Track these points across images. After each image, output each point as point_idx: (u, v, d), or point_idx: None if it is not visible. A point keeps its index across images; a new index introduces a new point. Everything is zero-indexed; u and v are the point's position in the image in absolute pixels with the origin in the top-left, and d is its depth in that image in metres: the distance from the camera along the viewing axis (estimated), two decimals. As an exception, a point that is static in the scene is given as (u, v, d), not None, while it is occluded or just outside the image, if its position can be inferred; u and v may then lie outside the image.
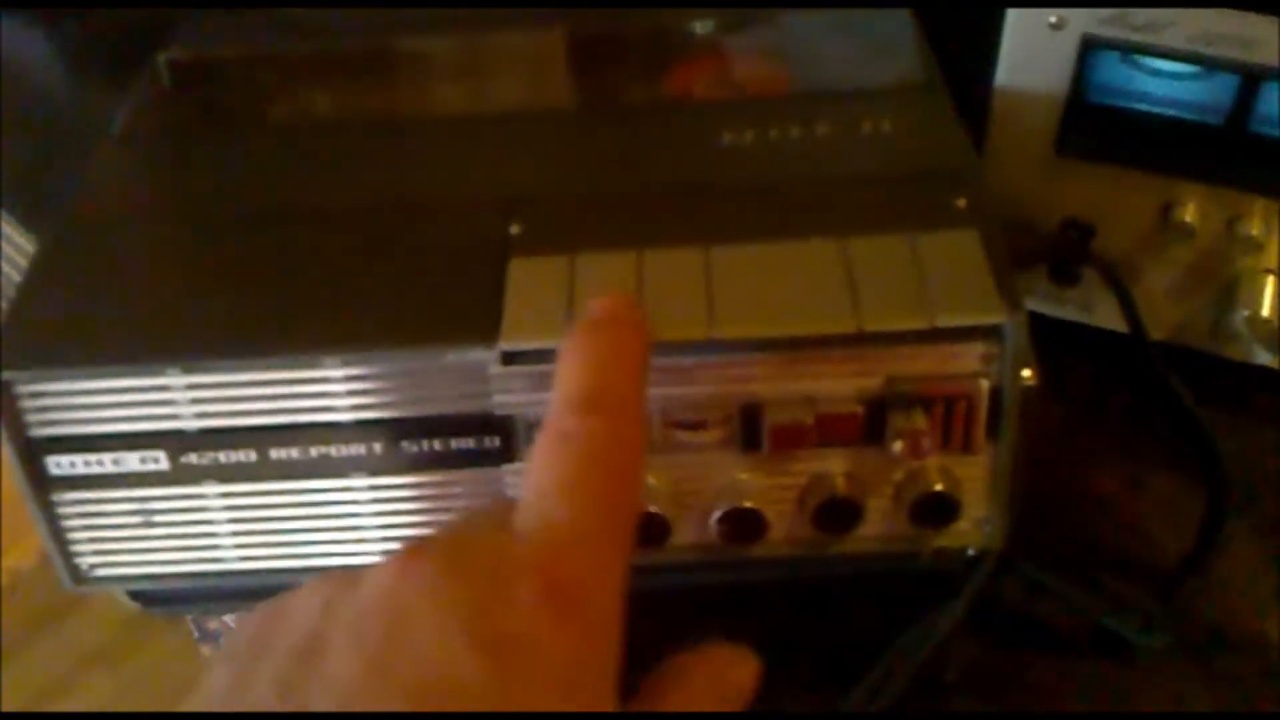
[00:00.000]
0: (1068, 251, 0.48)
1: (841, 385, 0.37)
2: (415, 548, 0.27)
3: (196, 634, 1.32)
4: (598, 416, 0.29)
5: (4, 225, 0.62)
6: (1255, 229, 0.45)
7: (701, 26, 0.52)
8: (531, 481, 0.29)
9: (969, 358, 0.37)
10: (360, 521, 0.40)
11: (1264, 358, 0.48)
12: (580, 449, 0.29)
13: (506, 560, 0.26)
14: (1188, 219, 0.46)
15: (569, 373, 0.31)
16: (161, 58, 0.53)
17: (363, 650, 0.25)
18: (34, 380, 0.37)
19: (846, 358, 0.37)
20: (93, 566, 0.41)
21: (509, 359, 0.37)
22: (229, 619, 1.07)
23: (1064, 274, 0.49)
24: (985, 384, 0.37)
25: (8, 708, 1.46)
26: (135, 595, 0.44)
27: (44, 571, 1.55)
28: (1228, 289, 0.47)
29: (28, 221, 0.61)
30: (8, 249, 0.61)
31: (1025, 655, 0.44)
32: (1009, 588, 0.45)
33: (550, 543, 0.27)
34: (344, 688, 0.25)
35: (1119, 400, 0.51)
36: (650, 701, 0.29)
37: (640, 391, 0.31)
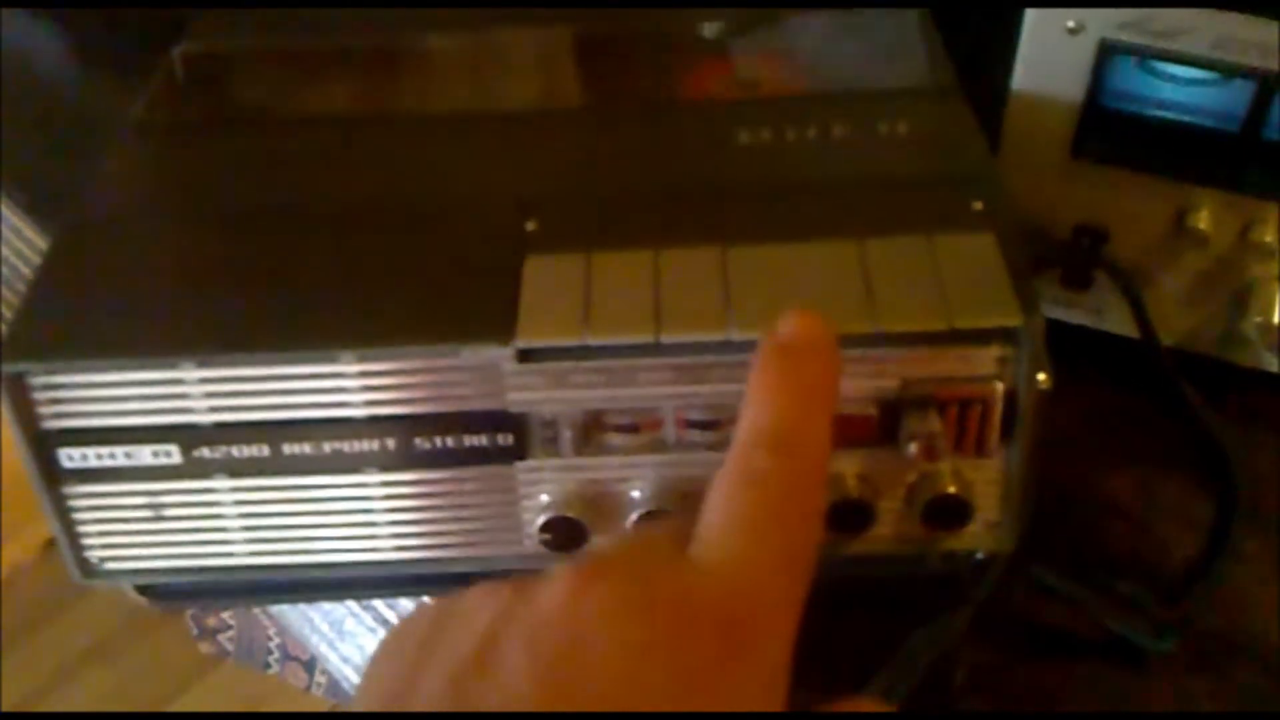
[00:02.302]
0: (1080, 256, 0.48)
1: (856, 386, 0.37)
2: (592, 566, 0.27)
3: (195, 630, 1.32)
4: (790, 457, 0.29)
5: (9, 218, 0.62)
6: (1269, 236, 0.45)
7: (710, 30, 0.52)
8: (714, 514, 0.28)
9: (984, 360, 0.37)
10: (372, 518, 0.40)
11: (1275, 365, 0.48)
12: (769, 490, 0.28)
13: (688, 594, 0.26)
14: (1201, 225, 0.46)
15: (761, 403, 0.30)
16: (176, 53, 0.52)
17: (538, 663, 0.25)
18: (47, 373, 0.37)
19: (862, 359, 0.37)
20: (102, 560, 0.41)
21: (524, 356, 0.37)
22: (281, 651, 1.07)
23: (1076, 279, 0.49)
24: (1000, 387, 0.37)
25: (6, 701, 1.46)
26: (144, 590, 0.44)
27: (43, 565, 1.56)
28: (1240, 296, 0.47)
29: (37, 216, 0.61)
30: (17, 243, 0.61)
31: (1034, 659, 0.44)
32: (1018, 591, 0.45)
33: (733, 581, 0.27)
34: (518, 698, 0.24)
35: (1130, 406, 0.51)
36: None
37: (829, 429, 0.30)
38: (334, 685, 0.93)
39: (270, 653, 1.19)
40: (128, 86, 0.52)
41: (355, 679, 0.49)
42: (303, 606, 0.50)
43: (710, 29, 0.52)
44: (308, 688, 1.17)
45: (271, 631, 1.15)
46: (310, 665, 1.16)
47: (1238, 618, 0.45)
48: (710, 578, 0.27)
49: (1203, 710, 0.43)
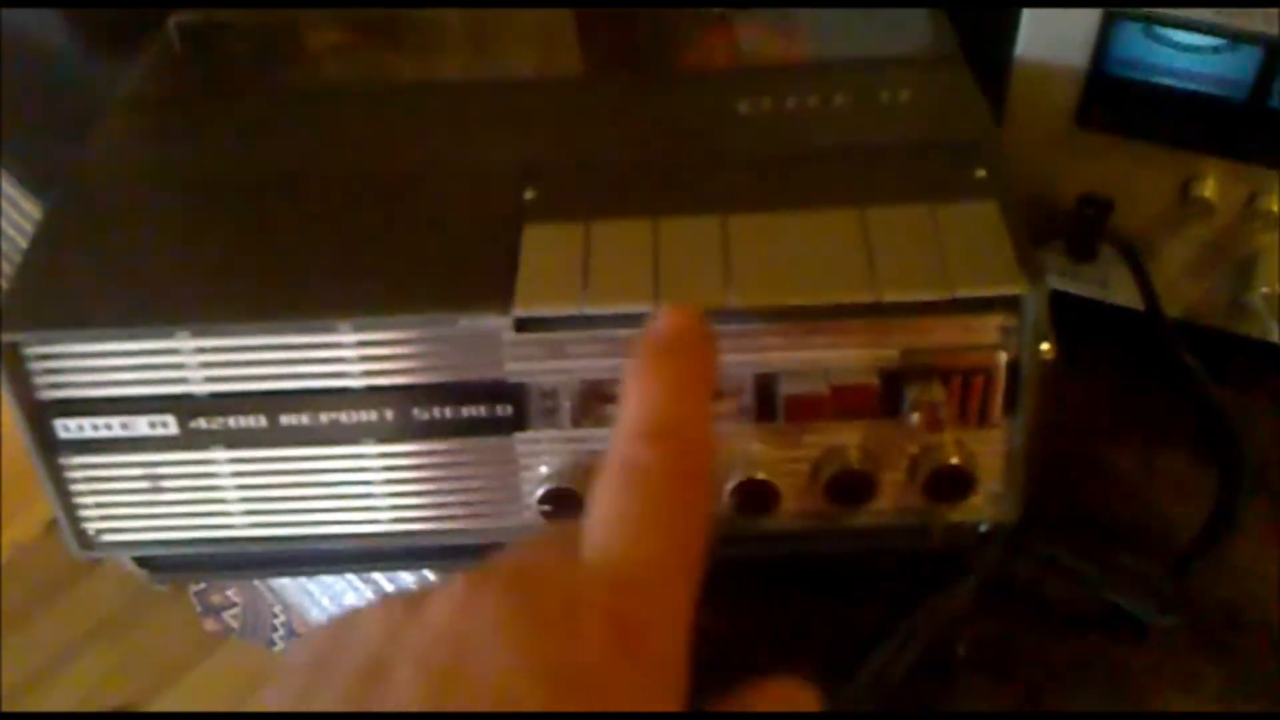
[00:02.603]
0: (1085, 227, 0.48)
1: (858, 356, 0.37)
2: (481, 575, 0.27)
3: (199, 608, 1.32)
4: (667, 447, 0.28)
5: (9, 190, 0.61)
6: (1275, 205, 0.45)
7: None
8: (598, 512, 0.28)
9: (987, 330, 0.36)
10: (370, 490, 0.40)
11: (1280, 335, 0.47)
12: (650, 481, 0.28)
13: (572, 594, 0.26)
14: (1207, 195, 0.45)
15: (637, 397, 0.30)
16: (172, 22, 0.52)
17: (427, 678, 0.25)
18: (42, 342, 0.37)
19: (864, 328, 0.36)
20: (100, 532, 0.41)
21: (522, 326, 0.36)
22: (286, 628, 1.07)
23: (1081, 249, 0.49)
24: (1003, 357, 0.37)
25: (9, 680, 1.46)
26: (142, 562, 0.44)
27: (46, 544, 1.56)
28: (1246, 266, 0.47)
29: (33, 187, 0.61)
30: (13, 214, 0.61)
31: (1037, 633, 0.44)
32: (1021, 565, 0.44)
33: (618, 578, 0.26)
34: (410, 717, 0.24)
35: (1134, 378, 0.51)
36: None
37: (710, 418, 0.30)
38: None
39: (275, 629, 1.19)
40: (124, 58, 0.51)
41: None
42: (303, 580, 0.50)
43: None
44: (312, 665, 1.18)
45: (277, 609, 1.15)
46: (315, 642, 1.16)
47: (1241, 590, 0.44)
48: (596, 576, 0.26)
49: (1206, 685, 0.42)
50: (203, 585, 1.22)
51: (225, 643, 1.43)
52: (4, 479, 1.55)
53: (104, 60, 0.66)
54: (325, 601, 0.50)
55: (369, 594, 0.48)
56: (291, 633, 1.17)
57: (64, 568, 1.53)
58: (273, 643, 1.19)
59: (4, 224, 0.61)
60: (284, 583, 0.52)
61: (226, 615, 1.27)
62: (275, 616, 1.17)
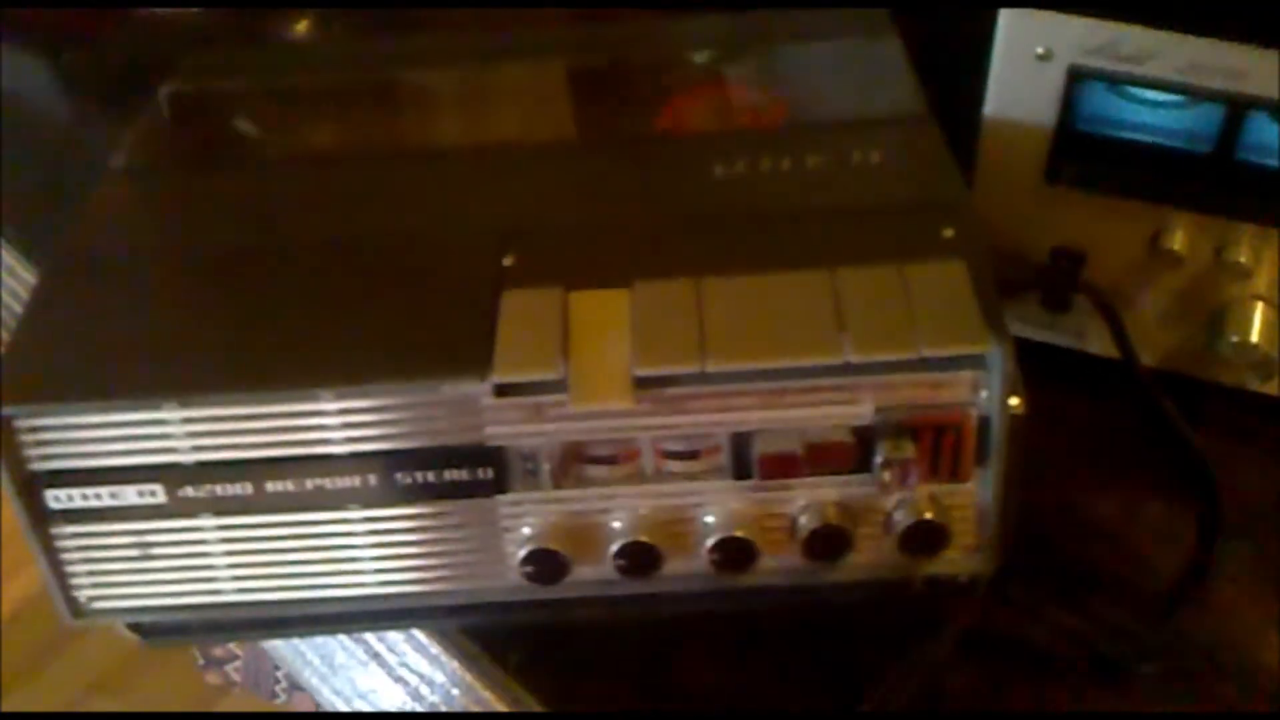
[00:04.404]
0: (1059, 279, 0.49)
1: (831, 415, 0.38)
2: None
3: (201, 661, 1.32)
4: None
5: (7, 259, 0.62)
6: (1243, 256, 0.46)
7: (699, 58, 0.53)
8: None
9: (956, 387, 0.37)
10: (356, 553, 0.40)
11: (1253, 383, 0.48)
12: None
13: None
14: (1176, 247, 0.46)
15: None
16: (163, 91, 0.53)
17: None
18: (33, 415, 0.38)
19: (835, 387, 0.37)
20: (91, 599, 0.42)
21: (501, 391, 0.37)
22: (288, 680, 1.07)
23: (1055, 301, 0.50)
24: (973, 413, 0.37)
25: (13, 736, 1.46)
26: (134, 627, 0.45)
27: (47, 600, 1.56)
28: (1217, 315, 0.48)
29: (29, 253, 0.62)
30: (9, 281, 0.62)
31: (1019, 682, 0.44)
32: (1003, 615, 0.45)
33: None
34: None
35: (1112, 425, 0.51)
36: None
37: None
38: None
39: (278, 681, 1.19)
40: (117, 125, 0.53)
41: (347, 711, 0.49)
42: (295, 641, 0.50)
43: (700, 57, 0.53)
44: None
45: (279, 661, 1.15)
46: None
47: (1221, 637, 0.45)
48: None
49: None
50: (203, 640, 1.22)
51: (227, 695, 1.43)
52: (6, 534, 1.56)
53: (101, 128, 0.67)
54: (316, 661, 0.50)
55: (360, 653, 0.49)
56: (293, 686, 1.17)
57: (65, 623, 1.53)
58: (275, 695, 1.19)
59: (3, 294, 0.62)
60: (276, 643, 0.52)
61: (229, 668, 1.27)
62: (277, 669, 1.17)
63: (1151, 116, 0.45)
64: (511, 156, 0.48)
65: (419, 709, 0.47)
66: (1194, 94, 0.44)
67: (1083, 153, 0.46)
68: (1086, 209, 0.47)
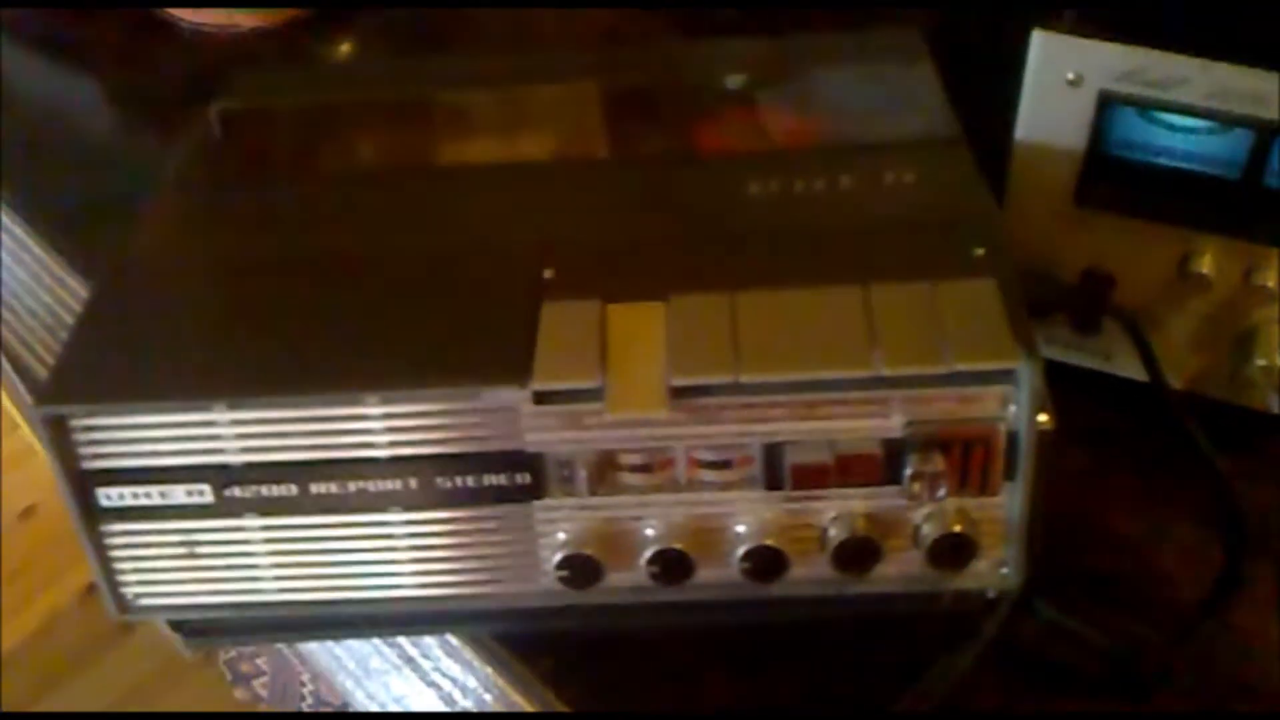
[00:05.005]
0: (1089, 301, 0.49)
1: (862, 427, 0.38)
2: None
3: (229, 676, 1.33)
4: None
5: (54, 268, 0.64)
6: (1270, 280, 0.46)
7: (733, 82, 0.54)
8: None
9: (986, 402, 0.38)
10: (395, 555, 0.41)
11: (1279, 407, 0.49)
12: None
13: None
14: (1204, 270, 0.47)
15: None
16: (213, 109, 0.55)
17: None
18: (87, 415, 0.39)
19: (866, 400, 0.38)
20: (138, 596, 0.43)
21: (541, 399, 0.38)
22: (315, 697, 1.08)
23: (1084, 323, 0.50)
24: (1002, 427, 0.38)
25: (42, 746, 1.48)
26: (176, 626, 0.46)
27: (82, 610, 1.58)
28: (1244, 339, 0.48)
29: (79, 264, 0.63)
30: (61, 293, 0.63)
31: (1044, 697, 0.45)
32: (1028, 630, 0.45)
33: None
34: None
35: (1140, 448, 0.52)
36: None
37: None
38: (366, 730, 0.93)
39: (304, 699, 1.20)
40: (165, 142, 0.54)
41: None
42: (330, 645, 0.51)
43: (731, 83, 0.54)
44: (340, 733, 1.18)
45: (305, 677, 1.16)
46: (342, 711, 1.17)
47: (1245, 658, 0.45)
48: None
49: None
50: (233, 654, 1.23)
51: (255, 711, 1.44)
52: (40, 548, 1.58)
53: (150, 145, 0.69)
54: (352, 665, 0.51)
55: (393, 657, 0.50)
56: (320, 701, 1.18)
57: (98, 635, 1.55)
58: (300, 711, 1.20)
59: (48, 299, 0.64)
60: (312, 648, 0.53)
61: (255, 684, 1.28)
62: (304, 685, 1.18)
63: (1181, 141, 0.46)
64: (550, 174, 0.49)
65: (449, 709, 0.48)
66: (1222, 120, 0.44)
67: (1113, 176, 0.47)
68: (1116, 232, 0.48)
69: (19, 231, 0.66)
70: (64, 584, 1.57)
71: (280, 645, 1.01)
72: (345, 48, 0.77)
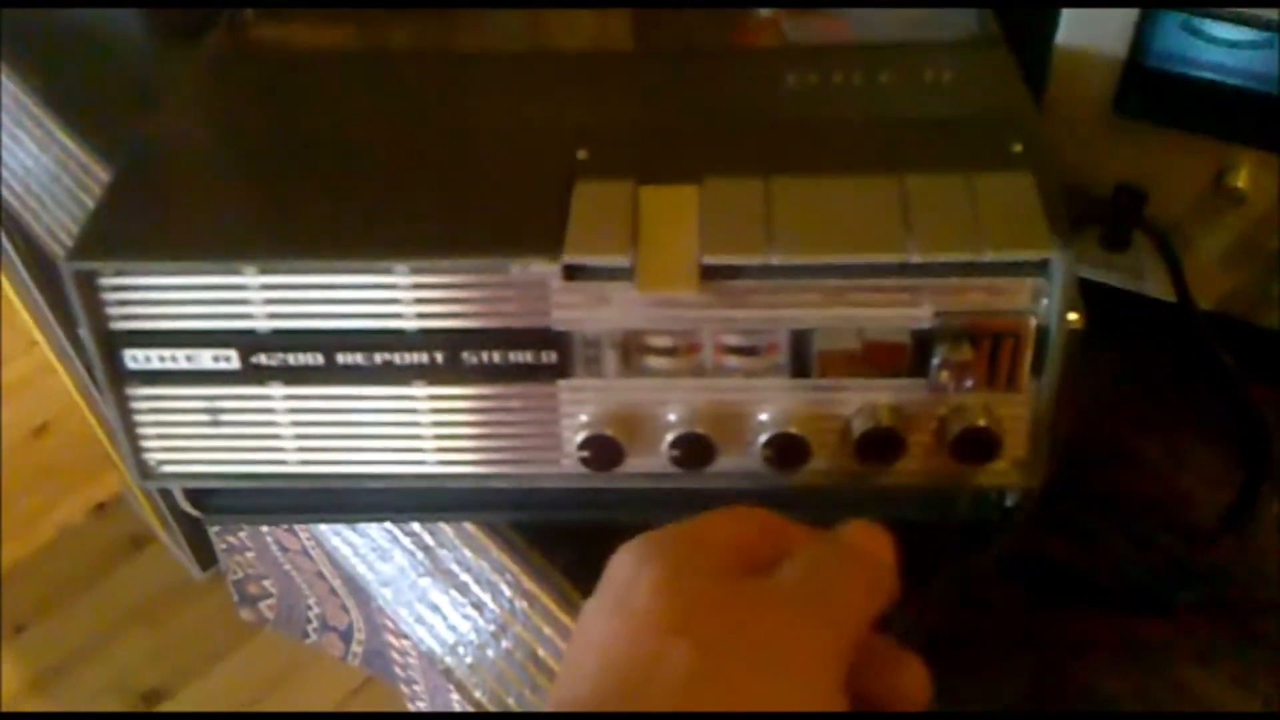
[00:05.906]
0: (1121, 215, 0.49)
1: (891, 315, 0.38)
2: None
3: (236, 597, 1.34)
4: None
5: (81, 155, 0.64)
6: (1307, 197, 0.46)
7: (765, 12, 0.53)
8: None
9: (1017, 294, 0.38)
10: (419, 430, 0.41)
11: (1310, 329, 0.48)
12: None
13: None
14: (1240, 184, 0.46)
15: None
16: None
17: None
18: (115, 273, 0.39)
19: (897, 288, 0.38)
20: (160, 463, 0.43)
21: (570, 273, 0.38)
22: (320, 620, 1.08)
23: (1115, 239, 0.50)
24: (1032, 321, 0.38)
25: (47, 659, 1.49)
26: (195, 503, 0.46)
27: (92, 528, 1.59)
28: (1275, 259, 0.48)
29: (106, 154, 0.63)
30: (86, 179, 0.63)
31: (1061, 607, 0.45)
32: (1046, 540, 0.46)
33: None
34: None
35: (1165, 368, 0.51)
36: None
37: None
38: (369, 656, 0.94)
39: (309, 621, 1.21)
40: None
41: (394, 603, 0.50)
42: (345, 531, 0.52)
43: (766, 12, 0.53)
44: (343, 657, 1.19)
45: (311, 600, 1.17)
46: (347, 634, 1.18)
47: (1261, 572, 0.45)
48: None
49: (1224, 662, 0.43)
50: (240, 575, 1.24)
51: (259, 634, 1.45)
52: (53, 465, 1.59)
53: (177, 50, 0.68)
54: (365, 550, 0.51)
55: (406, 543, 0.50)
56: (325, 625, 1.18)
57: (108, 552, 1.56)
58: (306, 635, 1.21)
59: (73, 185, 0.64)
60: (326, 532, 0.53)
61: (262, 605, 1.28)
62: (310, 609, 1.19)
63: (1221, 55, 0.46)
64: (586, 63, 0.49)
65: (465, 601, 0.48)
66: (1265, 26, 0.44)
67: (1152, 87, 0.46)
68: (1152, 144, 0.47)
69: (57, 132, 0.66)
70: (75, 500, 1.58)
71: (289, 566, 1.02)
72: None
